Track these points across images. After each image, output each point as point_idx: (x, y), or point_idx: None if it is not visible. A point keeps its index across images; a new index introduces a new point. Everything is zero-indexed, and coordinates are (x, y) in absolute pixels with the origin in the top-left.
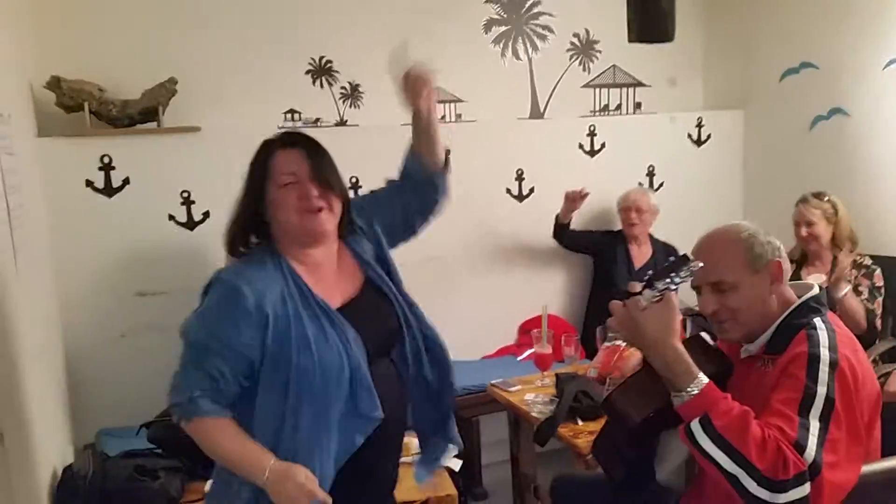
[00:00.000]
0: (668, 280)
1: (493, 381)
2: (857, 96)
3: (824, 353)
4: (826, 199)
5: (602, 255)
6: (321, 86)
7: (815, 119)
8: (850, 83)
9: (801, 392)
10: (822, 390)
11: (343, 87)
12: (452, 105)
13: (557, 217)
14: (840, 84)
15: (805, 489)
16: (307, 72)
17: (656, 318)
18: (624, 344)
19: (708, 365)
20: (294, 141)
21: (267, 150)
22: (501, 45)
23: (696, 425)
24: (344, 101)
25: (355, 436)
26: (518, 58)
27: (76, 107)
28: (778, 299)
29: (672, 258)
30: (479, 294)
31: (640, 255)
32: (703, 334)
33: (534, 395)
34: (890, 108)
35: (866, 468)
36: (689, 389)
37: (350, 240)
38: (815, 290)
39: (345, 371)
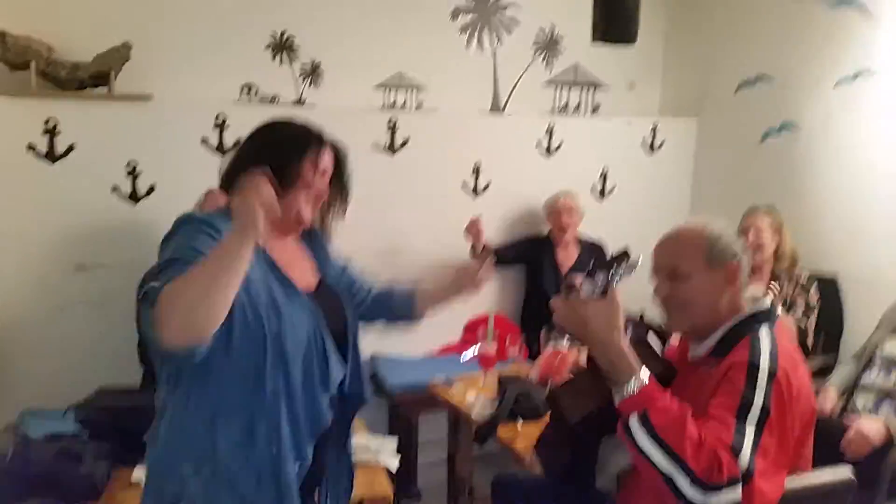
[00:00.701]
0: (609, 273)
1: (434, 380)
2: (808, 112)
3: (764, 363)
4: (774, 213)
5: (531, 263)
6: (280, 62)
7: (767, 132)
8: (803, 98)
9: (738, 398)
10: (758, 399)
11: (304, 65)
12: (413, 91)
13: (473, 249)
14: (793, 98)
15: (737, 494)
16: (267, 46)
17: (600, 313)
18: (567, 347)
19: (651, 367)
20: (330, 142)
21: (312, 137)
22: (467, 34)
23: (634, 422)
24: (304, 80)
25: (324, 408)
26: (483, 48)
27: (22, 65)
28: (729, 303)
29: (614, 253)
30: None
31: (567, 257)
32: (650, 338)
33: (475, 394)
34: (837, 126)
35: (797, 481)
36: (629, 386)
37: (309, 240)
38: (766, 303)
39: (315, 340)
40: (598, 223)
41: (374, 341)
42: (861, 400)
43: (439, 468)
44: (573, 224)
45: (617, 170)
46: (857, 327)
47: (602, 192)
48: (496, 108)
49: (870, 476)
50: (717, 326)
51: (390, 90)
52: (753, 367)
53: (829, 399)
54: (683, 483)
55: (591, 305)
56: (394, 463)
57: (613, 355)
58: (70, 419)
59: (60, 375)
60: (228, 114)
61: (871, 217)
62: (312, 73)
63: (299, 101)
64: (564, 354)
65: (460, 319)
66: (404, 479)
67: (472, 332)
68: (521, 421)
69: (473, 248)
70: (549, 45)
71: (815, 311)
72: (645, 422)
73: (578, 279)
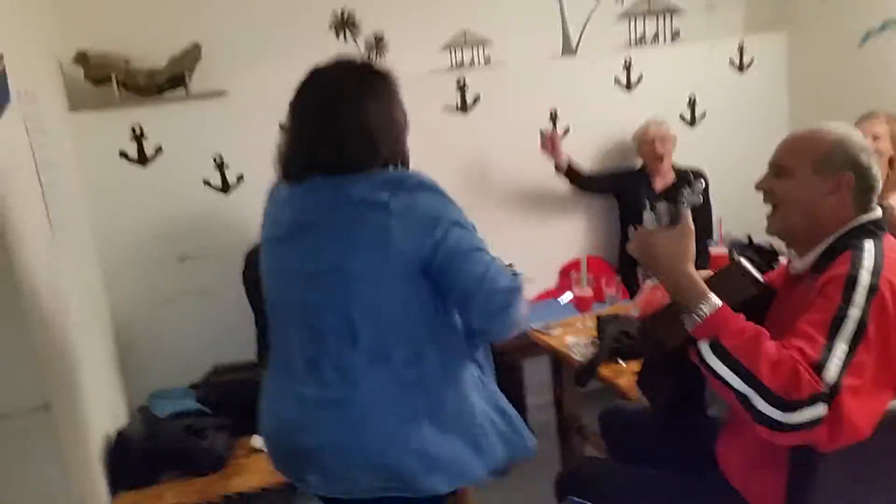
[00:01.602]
0: (671, 203)
1: (534, 325)
2: None
3: (864, 276)
4: (893, 119)
5: (626, 195)
6: (345, 39)
7: (867, 33)
8: None
9: (832, 313)
10: (854, 313)
11: (367, 39)
12: (480, 48)
13: (557, 168)
14: None
15: (819, 410)
16: (330, 26)
17: (668, 242)
18: None
19: (743, 290)
20: None
21: None
22: None
23: (705, 346)
24: (369, 53)
25: None
26: None
27: (104, 79)
28: (833, 214)
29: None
30: (516, 239)
31: (666, 186)
32: (743, 261)
33: (575, 337)
34: None
35: None
36: (699, 311)
37: None
38: (876, 213)
39: None
40: (691, 151)
41: None
42: None
43: (549, 409)
44: (667, 152)
45: (705, 96)
46: None
47: (692, 121)
48: (568, 51)
49: None
50: (818, 239)
51: (456, 50)
52: (851, 281)
53: None
54: (761, 403)
55: (660, 234)
56: None
57: (683, 282)
58: (191, 397)
59: (178, 359)
60: None
61: None
62: (377, 45)
63: None
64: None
65: (556, 264)
66: None
67: (567, 276)
68: (621, 361)
69: (557, 166)
70: None
71: None
72: (715, 345)
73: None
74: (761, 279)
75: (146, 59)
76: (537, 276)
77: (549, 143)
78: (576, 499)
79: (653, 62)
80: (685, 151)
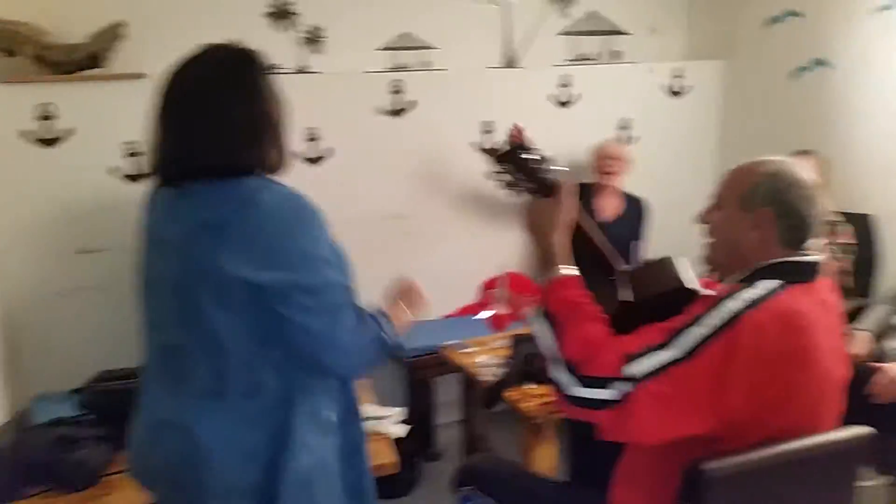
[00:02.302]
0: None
1: (447, 342)
2: (841, 45)
3: (732, 304)
4: (819, 156)
5: None
6: (281, 30)
7: (799, 70)
8: (835, 31)
9: (682, 324)
10: (700, 331)
11: (304, 32)
12: (421, 52)
13: None
14: (825, 33)
15: (606, 394)
16: (265, 14)
17: (540, 209)
18: None
19: (662, 283)
20: None
21: None
22: None
23: (538, 308)
24: (305, 47)
25: None
26: (494, 2)
27: (15, 50)
28: (757, 251)
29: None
30: (442, 252)
31: (608, 206)
32: (678, 258)
33: (486, 357)
34: (875, 56)
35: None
36: (547, 275)
37: None
38: (802, 256)
39: None
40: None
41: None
42: (895, 342)
43: (458, 428)
44: (617, 172)
45: (641, 118)
46: (893, 268)
47: (626, 142)
48: (510, 63)
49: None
50: (735, 271)
51: (396, 52)
52: (717, 302)
53: (861, 342)
54: (555, 367)
55: (536, 202)
56: (400, 431)
57: (546, 248)
58: (73, 403)
59: (69, 359)
60: None
61: None
62: (314, 38)
63: (301, 69)
64: None
65: (480, 279)
66: (423, 440)
67: (489, 292)
68: (530, 384)
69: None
70: None
71: (854, 252)
72: (545, 308)
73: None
74: (688, 281)
75: (65, 32)
76: (464, 290)
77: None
78: (465, 489)
79: (592, 81)
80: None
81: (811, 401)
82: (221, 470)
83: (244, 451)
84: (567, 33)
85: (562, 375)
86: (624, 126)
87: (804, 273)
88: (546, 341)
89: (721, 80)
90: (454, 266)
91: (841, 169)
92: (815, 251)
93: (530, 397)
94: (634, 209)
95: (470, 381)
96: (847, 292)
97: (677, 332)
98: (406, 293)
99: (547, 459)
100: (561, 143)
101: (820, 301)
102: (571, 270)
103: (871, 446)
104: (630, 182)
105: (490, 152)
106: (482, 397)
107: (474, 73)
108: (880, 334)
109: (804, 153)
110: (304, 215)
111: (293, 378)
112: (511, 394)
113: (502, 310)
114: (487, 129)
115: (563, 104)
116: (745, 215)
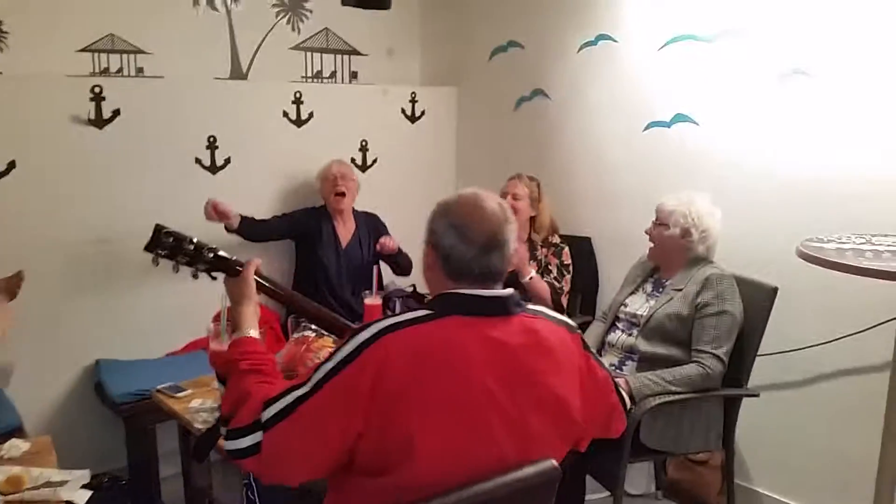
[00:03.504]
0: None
1: (161, 386)
2: (555, 78)
3: (363, 334)
4: (536, 182)
5: (307, 236)
6: None
7: (520, 99)
8: (551, 64)
9: (323, 359)
10: (330, 364)
11: None
12: (130, 57)
13: (229, 230)
14: (542, 65)
15: (244, 441)
16: None
17: (230, 284)
18: (314, 335)
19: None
20: None
21: None
22: None
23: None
24: None
25: None
26: (215, 9)
27: None
28: (431, 283)
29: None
30: (164, 281)
31: (346, 231)
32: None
33: (201, 401)
34: (582, 91)
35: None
36: (233, 336)
37: None
38: (476, 290)
39: None
40: (362, 196)
41: (101, 342)
42: (608, 359)
43: (180, 480)
44: (350, 190)
45: (378, 141)
46: (610, 287)
47: (364, 165)
48: (237, 75)
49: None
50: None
51: (100, 55)
52: (352, 335)
53: None
54: (222, 427)
55: (227, 279)
56: (81, 498)
57: (235, 315)
58: None
59: None
60: None
61: (618, 178)
62: None
63: None
64: (311, 342)
65: (210, 311)
66: (145, 493)
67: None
68: None
69: (228, 228)
70: (292, 7)
71: (570, 271)
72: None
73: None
74: None
75: None
76: (187, 323)
77: (213, 212)
78: None
79: (326, 100)
80: (361, 197)
81: (456, 434)
82: None
83: None
84: (300, 48)
85: (225, 434)
86: (363, 147)
87: (476, 307)
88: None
89: (454, 105)
90: (178, 297)
91: (561, 194)
92: (500, 287)
93: None
94: (366, 227)
95: (185, 429)
96: (566, 310)
97: (316, 369)
98: None
99: None
100: (296, 161)
101: (487, 338)
102: (252, 333)
103: (559, 479)
104: (371, 205)
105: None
106: (193, 447)
107: (197, 83)
108: (597, 353)
109: (517, 177)
110: None
111: None
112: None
113: (221, 346)
114: (215, 145)
115: (298, 122)
116: (426, 248)
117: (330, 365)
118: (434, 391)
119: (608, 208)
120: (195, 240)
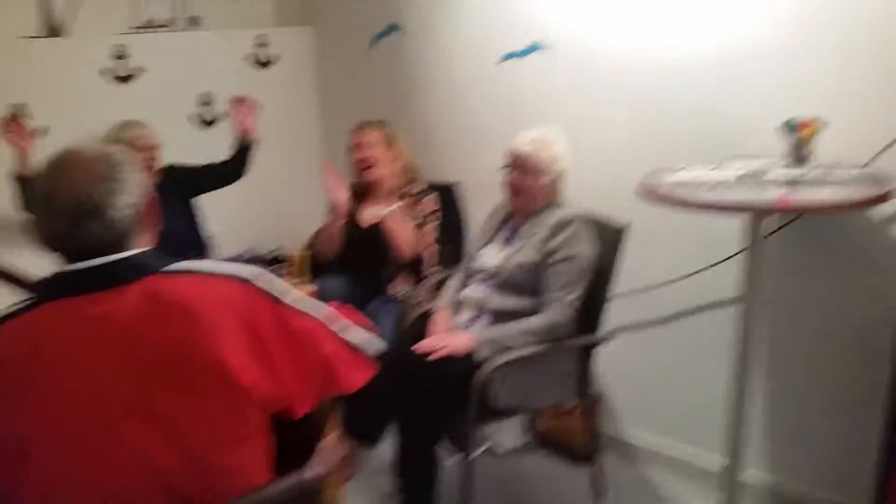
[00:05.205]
0: None
1: None
2: (411, 10)
3: None
4: (385, 126)
5: None
6: None
7: (377, 35)
8: None
9: None
10: None
11: None
12: None
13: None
14: None
15: None
16: None
17: None
18: None
19: None
20: None
21: None
22: None
23: None
24: None
25: None
26: None
27: None
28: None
29: None
30: None
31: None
32: None
33: None
34: (438, 22)
35: None
36: None
37: None
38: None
39: None
40: (205, 155)
41: None
42: (465, 314)
43: None
44: (148, 158)
45: (223, 93)
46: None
47: (207, 121)
48: (52, 31)
49: (460, 397)
50: None
51: None
52: None
53: (441, 320)
54: None
55: None
56: None
57: None
58: None
59: None
60: None
61: (479, 117)
62: None
63: None
64: None
65: None
66: None
67: None
68: None
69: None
70: None
71: (436, 219)
72: None
73: None
74: None
75: None
76: None
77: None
78: None
79: (159, 52)
80: (196, 155)
81: (74, 454)
82: None
83: None
84: None
85: None
86: (206, 102)
87: (68, 286)
88: None
89: (312, 46)
90: None
91: (423, 138)
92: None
93: None
94: (168, 187)
95: None
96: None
97: None
98: None
99: None
100: None
101: (86, 319)
102: None
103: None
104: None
105: None
106: None
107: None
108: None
109: (363, 126)
110: None
111: None
112: None
113: None
114: (22, 113)
115: (123, 79)
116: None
117: None
118: (31, 410)
119: (474, 153)
120: None
